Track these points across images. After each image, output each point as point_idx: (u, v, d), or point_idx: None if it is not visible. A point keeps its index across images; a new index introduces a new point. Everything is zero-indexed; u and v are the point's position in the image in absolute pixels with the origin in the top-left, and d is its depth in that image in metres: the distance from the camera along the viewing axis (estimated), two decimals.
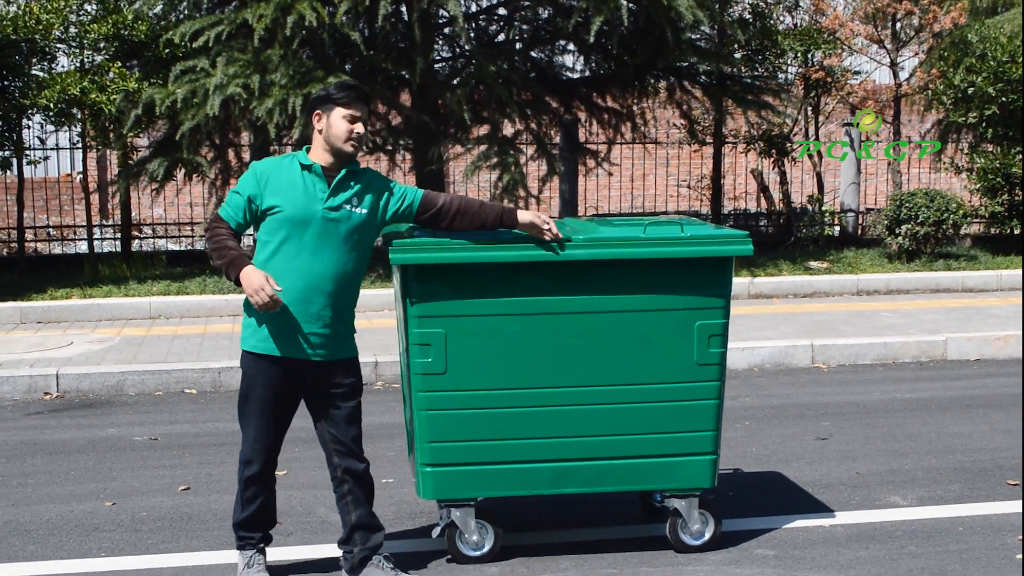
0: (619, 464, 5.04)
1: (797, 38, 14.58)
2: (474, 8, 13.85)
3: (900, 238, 13.27)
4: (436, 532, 5.12)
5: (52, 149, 14.03)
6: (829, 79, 14.79)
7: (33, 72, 12.39)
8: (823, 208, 15.33)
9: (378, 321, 10.40)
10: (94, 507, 5.95)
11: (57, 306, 11.01)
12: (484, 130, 13.00)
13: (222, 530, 5.58)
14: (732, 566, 5.03)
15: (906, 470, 6.46)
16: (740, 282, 11.91)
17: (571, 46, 13.70)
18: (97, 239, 14.20)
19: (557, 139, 14.35)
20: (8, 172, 12.80)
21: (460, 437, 4.92)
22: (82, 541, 5.47)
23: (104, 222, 15.70)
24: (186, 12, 12.46)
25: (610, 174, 15.39)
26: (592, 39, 11.83)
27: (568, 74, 14.13)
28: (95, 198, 15.22)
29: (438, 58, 13.40)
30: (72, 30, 12.59)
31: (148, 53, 12.37)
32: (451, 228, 4.85)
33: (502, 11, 13.69)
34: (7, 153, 12.59)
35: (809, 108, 15.33)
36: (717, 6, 12.78)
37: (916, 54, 16.03)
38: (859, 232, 15.40)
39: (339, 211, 4.63)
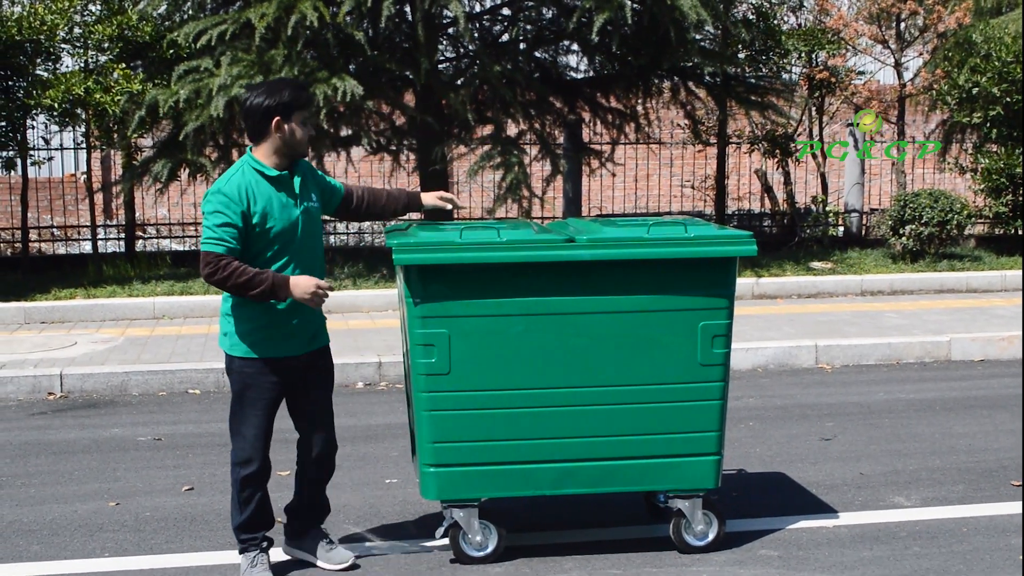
0: (623, 464, 5.04)
1: (801, 38, 14.57)
2: (478, 8, 13.85)
3: (904, 238, 13.26)
4: (440, 533, 5.12)
5: (56, 149, 14.04)
6: (833, 79, 14.77)
7: (37, 72, 12.40)
8: (827, 208, 15.31)
9: (381, 322, 10.40)
10: (98, 507, 5.96)
11: (61, 306, 11.02)
12: (488, 130, 13.00)
13: (226, 530, 5.58)
14: (736, 567, 5.02)
15: (910, 471, 6.45)
16: (744, 282, 11.89)
17: (575, 46, 13.69)
18: (101, 239, 14.21)
19: (561, 139, 14.34)
20: (12, 172, 12.81)
21: (464, 437, 4.92)
22: (86, 541, 5.47)
23: (108, 222, 15.71)
24: (190, 13, 12.46)
25: (614, 174, 15.38)
26: (596, 39, 11.82)
27: (572, 74, 14.13)
28: (99, 198, 15.24)
29: (442, 58, 13.40)
30: (76, 31, 12.60)
31: (152, 54, 12.38)
32: (359, 219, 5.32)
33: (506, 11, 13.69)
34: (11, 153, 12.60)
35: (813, 108, 15.32)
36: (721, 6, 12.77)
37: (920, 54, 16.01)
38: (863, 232, 15.38)
39: (307, 210, 4.82)
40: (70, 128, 12.98)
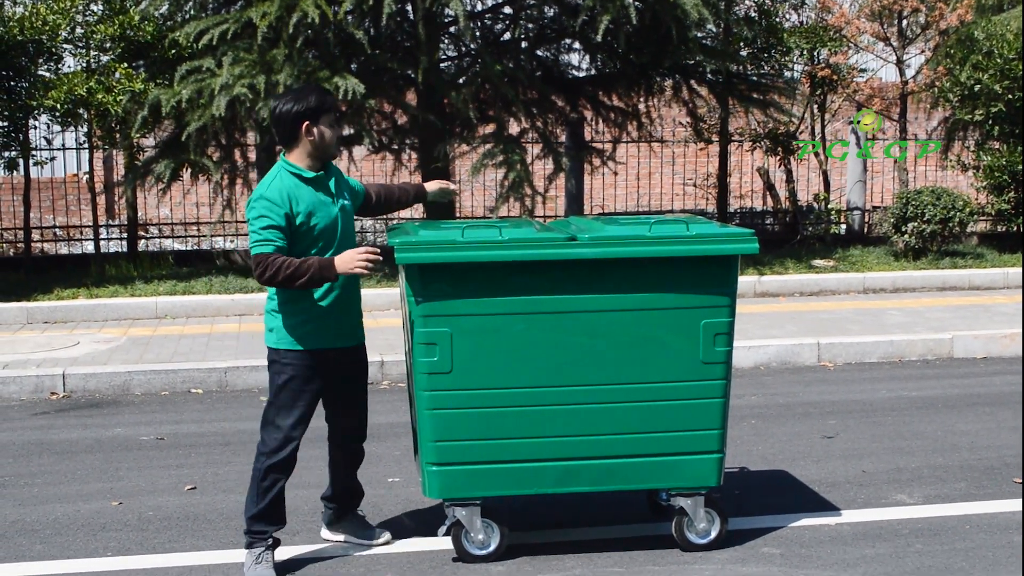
0: (625, 463, 5.04)
1: (803, 36, 14.56)
2: (479, 7, 13.84)
3: (906, 236, 13.25)
4: (442, 531, 5.13)
5: (58, 149, 14.05)
6: (835, 77, 14.76)
7: (39, 73, 12.41)
8: (829, 206, 15.30)
9: (383, 320, 10.41)
10: (100, 507, 5.97)
11: (63, 306, 11.03)
12: (490, 129, 12.99)
13: (228, 529, 5.59)
14: (738, 564, 5.03)
15: (912, 468, 6.45)
16: (746, 280, 11.89)
17: (577, 45, 13.68)
18: (103, 239, 14.22)
19: (563, 138, 14.33)
20: (15, 172, 12.82)
21: (466, 436, 4.93)
22: (89, 541, 5.48)
23: (110, 222, 15.71)
24: (192, 12, 12.46)
25: (616, 173, 15.37)
26: (598, 38, 11.82)
27: (574, 73, 14.12)
28: (101, 198, 15.24)
29: (444, 57, 13.39)
30: (78, 31, 12.61)
31: (154, 53, 12.38)
32: (376, 214, 5.56)
33: (508, 10, 13.68)
34: (14, 153, 12.61)
35: (815, 106, 15.31)
36: (723, 4, 12.77)
37: (922, 51, 15.99)
38: (865, 230, 15.37)
39: (343, 208, 5.02)
40: (72, 128, 12.98)
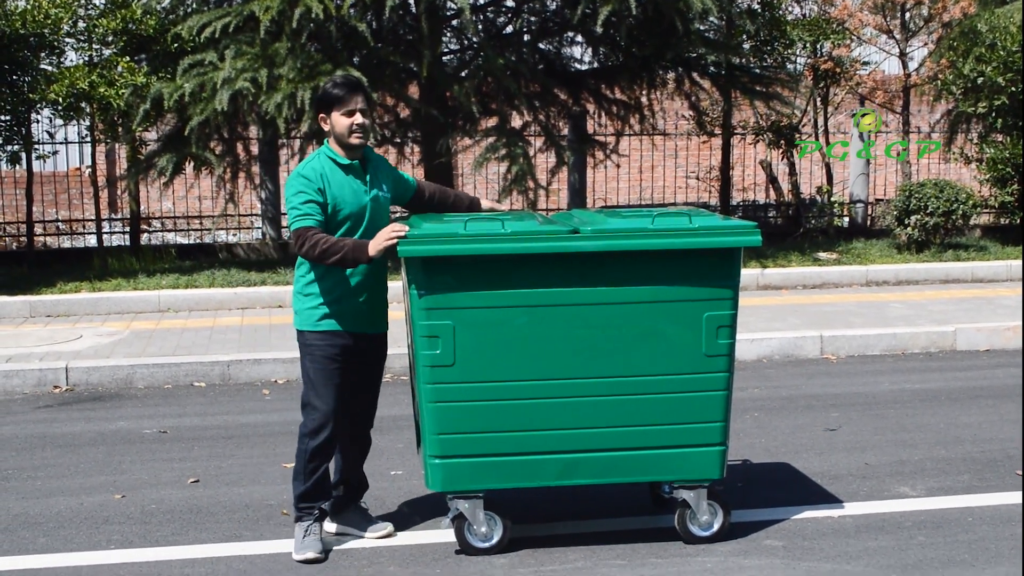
0: (628, 455, 5.04)
1: (806, 28, 14.53)
2: (482, 0, 13.83)
3: (909, 229, 13.24)
4: (445, 524, 5.13)
5: (61, 143, 14.04)
6: (838, 70, 14.74)
7: (42, 66, 12.40)
8: (832, 199, 15.29)
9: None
10: (104, 500, 5.97)
11: (66, 300, 11.04)
12: (492, 122, 12.98)
13: (231, 522, 5.60)
14: (741, 557, 5.03)
15: (915, 461, 6.45)
16: (749, 273, 11.89)
17: (579, 37, 13.67)
18: (106, 233, 14.23)
19: (565, 131, 14.32)
20: (17, 166, 12.81)
21: (468, 429, 4.93)
22: (92, 534, 5.49)
23: (113, 216, 15.71)
24: (194, 6, 12.46)
25: (618, 166, 15.36)
26: (600, 30, 11.81)
27: (576, 66, 14.11)
28: (104, 192, 15.23)
29: (446, 50, 13.38)
30: (80, 24, 12.59)
31: (156, 47, 12.36)
32: (427, 212, 5.58)
33: (510, 3, 13.67)
34: (16, 147, 12.60)
35: (818, 99, 15.28)
36: None
37: (925, 44, 15.96)
38: (868, 223, 15.36)
39: (376, 198, 5.18)
40: (75, 122, 12.98)
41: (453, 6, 12.23)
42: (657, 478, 5.19)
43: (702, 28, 13.08)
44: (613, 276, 4.93)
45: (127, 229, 14.18)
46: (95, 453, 6.84)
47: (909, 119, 15.54)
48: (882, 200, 15.63)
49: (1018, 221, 14.32)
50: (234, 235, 14.90)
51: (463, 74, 12.86)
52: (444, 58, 13.15)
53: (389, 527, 5.36)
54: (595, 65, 13.98)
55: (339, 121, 5.09)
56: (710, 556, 5.04)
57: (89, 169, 13.79)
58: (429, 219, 5.17)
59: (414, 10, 12.47)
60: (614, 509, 5.64)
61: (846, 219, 15.43)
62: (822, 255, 13.11)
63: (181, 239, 14.81)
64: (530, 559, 5.03)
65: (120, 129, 12.66)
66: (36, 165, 13.44)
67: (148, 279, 11.75)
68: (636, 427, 5.01)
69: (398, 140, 13.60)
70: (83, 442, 7.09)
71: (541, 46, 13.62)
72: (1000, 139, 14.30)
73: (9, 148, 12.55)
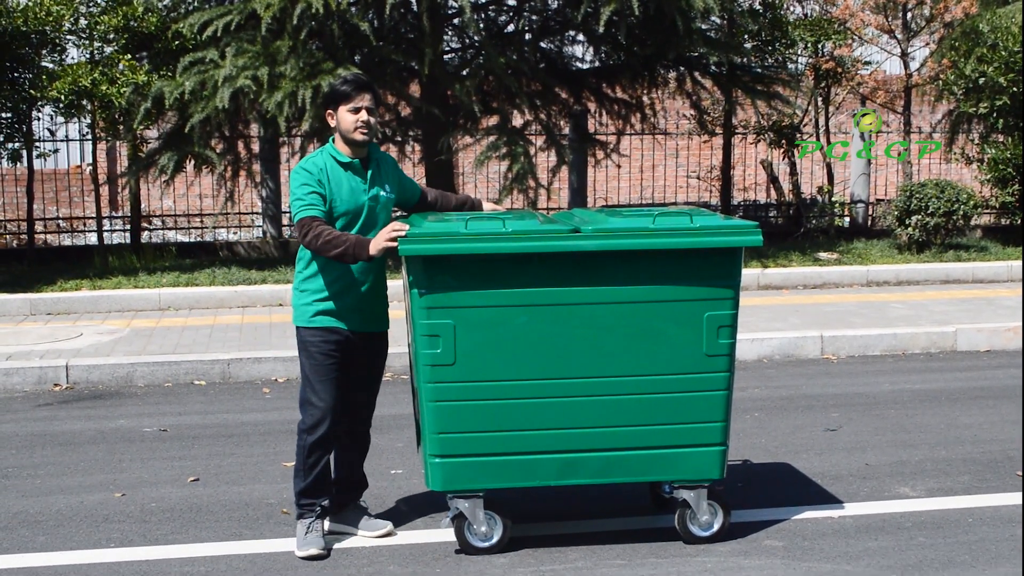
0: (628, 455, 5.03)
1: (807, 28, 14.53)
2: None
3: (910, 229, 13.23)
4: (444, 523, 5.13)
5: (62, 141, 14.05)
6: (839, 69, 14.73)
7: (43, 64, 12.40)
8: (833, 199, 15.28)
9: None
10: (103, 498, 5.97)
11: (67, 297, 11.04)
12: (493, 121, 12.98)
13: (231, 521, 5.60)
14: (741, 557, 5.02)
15: (915, 461, 6.44)
16: (750, 273, 11.88)
17: (581, 36, 13.66)
18: (107, 231, 14.23)
19: (566, 130, 14.32)
20: (18, 164, 12.82)
21: (469, 428, 4.92)
22: (91, 532, 5.48)
23: (114, 214, 15.72)
24: (195, 3, 12.46)
25: (619, 165, 15.36)
26: (602, 29, 11.80)
27: (578, 64, 14.10)
28: (105, 190, 15.24)
29: (447, 49, 13.38)
30: (82, 22, 12.59)
31: (158, 45, 12.37)
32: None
33: (511, 1, 13.66)
34: (17, 145, 12.61)
35: (819, 98, 15.28)
36: None
37: (927, 44, 15.95)
38: (869, 223, 15.35)
39: (375, 197, 5.18)
40: (76, 120, 12.98)
41: (454, 5, 12.23)
42: (657, 478, 5.19)
43: (704, 27, 13.07)
44: (614, 275, 4.93)
45: (128, 227, 14.18)
46: (95, 451, 6.84)
47: (910, 119, 15.53)
48: (883, 200, 15.63)
49: (1019, 222, 14.31)
50: (235, 233, 14.91)
51: (464, 73, 12.86)
52: (445, 57, 13.14)
53: (389, 526, 5.35)
54: (596, 64, 13.97)
55: (345, 117, 5.12)
56: (710, 556, 5.03)
57: (90, 167, 13.79)
58: (430, 218, 5.17)
59: (415, 8, 12.47)
60: (614, 509, 5.63)
61: (847, 219, 15.43)
62: (823, 255, 13.11)
63: (182, 237, 14.81)
64: (530, 558, 5.03)
65: (121, 127, 12.66)
66: (37, 163, 13.45)
67: (149, 277, 11.75)
68: (637, 427, 5.00)
69: (399, 138, 13.59)
70: (83, 440, 7.09)
71: (542, 45, 13.62)
72: (1001, 139, 14.30)
73: (10, 145, 12.55)
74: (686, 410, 5.01)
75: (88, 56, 12.73)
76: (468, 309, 4.87)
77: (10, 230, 14.38)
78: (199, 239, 14.65)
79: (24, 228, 13.80)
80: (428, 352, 4.87)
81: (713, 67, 13.66)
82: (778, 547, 5.14)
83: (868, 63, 15.58)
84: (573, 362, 4.94)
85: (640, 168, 16.69)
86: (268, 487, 6.11)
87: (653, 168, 16.84)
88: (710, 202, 16.45)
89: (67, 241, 14.43)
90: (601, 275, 4.92)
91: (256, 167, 13.92)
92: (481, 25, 13.14)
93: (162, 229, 14.93)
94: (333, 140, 5.23)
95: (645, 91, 14.03)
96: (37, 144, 13.23)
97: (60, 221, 14.85)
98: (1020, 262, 12.67)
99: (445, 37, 13.10)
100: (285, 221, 14.28)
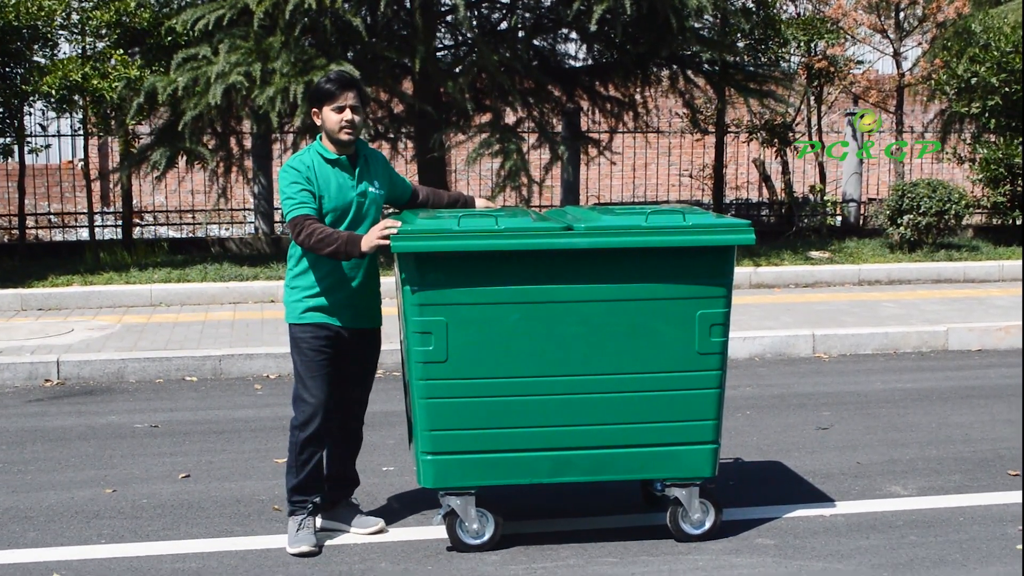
0: (620, 453, 5.03)
1: (800, 27, 14.55)
2: None
3: (902, 228, 13.26)
4: (436, 520, 5.12)
5: (53, 136, 14.01)
6: (832, 68, 14.76)
7: (35, 59, 12.37)
8: (825, 198, 15.30)
9: None
10: (94, 494, 5.96)
11: (58, 293, 11.01)
12: (486, 118, 12.97)
13: (222, 517, 5.59)
14: (732, 555, 5.03)
15: (907, 460, 6.45)
16: (742, 271, 11.90)
17: (574, 34, 13.67)
18: (98, 226, 14.19)
19: (559, 128, 14.32)
20: (9, 159, 12.78)
21: (460, 425, 4.92)
22: (82, 528, 5.47)
23: (105, 209, 15.69)
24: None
25: (612, 163, 15.37)
26: (595, 27, 11.80)
27: (571, 62, 14.10)
28: (96, 185, 15.21)
29: (440, 46, 13.37)
30: (74, 17, 12.56)
31: (150, 40, 12.34)
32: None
33: None
34: (8, 140, 12.57)
35: (812, 97, 15.30)
36: None
37: (919, 44, 15.99)
38: (861, 222, 15.37)
39: (364, 194, 5.17)
40: (67, 115, 12.95)
41: (447, 2, 12.23)
42: (649, 476, 5.19)
43: (697, 26, 13.08)
44: (606, 273, 4.92)
45: (119, 223, 14.15)
46: (86, 447, 6.82)
47: (903, 119, 15.55)
48: (875, 199, 15.65)
49: (1010, 222, 14.35)
50: (227, 229, 14.88)
51: (457, 70, 12.85)
52: (438, 54, 13.14)
53: (380, 523, 5.34)
54: (589, 62, 13.98)
55: (329, 117, 5.11)
56: (702, 554, 5.04)
57: (81, 162, 13.76)
58: (422, 215, 5.16)
59: (408, 5, 12.46)
60: (606, 507, 5.63)
61: (839, 218, 15.45)
62: (815, 254, 13.13)
63: (173, 233, 14.79)
64: (522, 556, 5.03)
65: (113, 122, 12.63)
66: (28, 158, 13.41)
67: (140, 273, 11.72)
68: (628, 424, 5.00)
69: (391, 135, 13.58)
70: (74, 436, 7.07)
71: (535, 42, 13.61)
72: (993, 139, 14.32)
73: (1, 140, 12.51)
74: (678, 408, 5.01)
75: (80, 51, 12.70)
76: (460, 306, 4.87)
77: (1, 225, 14.34)
78: (191, 235, 14.63)
79: (15, 223, 13.77)
80: (420, 349, 4.87)
81: (706, 65, 13.67)
82: (770, 545, 5.15)
83: (861, 62, 15.61)
84: (565, 360, 4.94)
85: (633, 166, 16.69)
86: (260, 484, 6.10)
87: (646, 166, 16.85)
88: (702, 200, 16.47)
89: (58, 237, 14.39)
90: (593, 273, 4.92)
91: (248, 163, 13.90)
92: (474, 22, 13.14)
93: (154, 225, 14.90)
94: (320, 138, 5.23)
95: (638, 89, 14.04)
96: (28, 139, 13.19)
97: (51, 216, 14.82)
98: (1011, 262, 12.70)
99: (438, 34, 13.10)
100: (277, 217, 14.26)
